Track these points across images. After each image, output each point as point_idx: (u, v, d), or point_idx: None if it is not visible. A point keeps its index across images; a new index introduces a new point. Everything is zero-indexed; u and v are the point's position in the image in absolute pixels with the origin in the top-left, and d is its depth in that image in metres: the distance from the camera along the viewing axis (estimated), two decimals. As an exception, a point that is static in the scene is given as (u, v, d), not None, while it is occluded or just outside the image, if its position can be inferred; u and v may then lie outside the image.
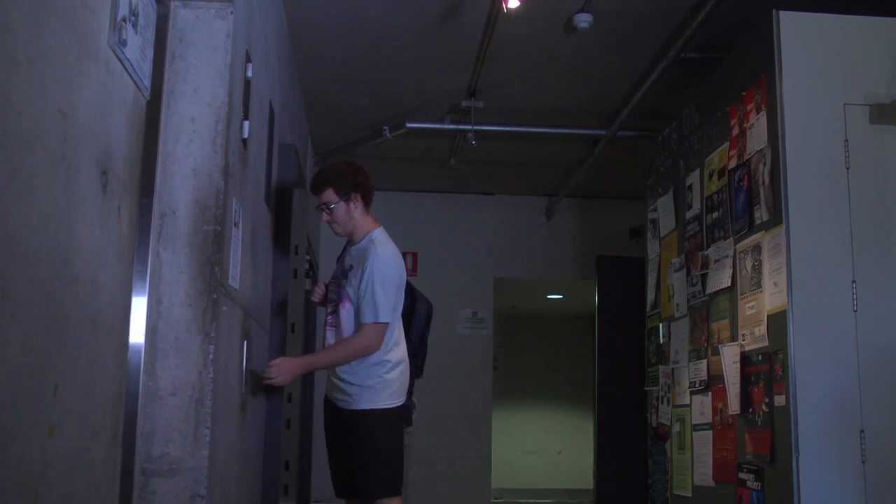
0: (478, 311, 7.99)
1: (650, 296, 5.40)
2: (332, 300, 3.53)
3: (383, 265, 3.37)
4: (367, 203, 3.51)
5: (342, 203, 3.45)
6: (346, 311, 3.45)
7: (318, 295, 3.67)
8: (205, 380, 2.66)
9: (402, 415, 3.52)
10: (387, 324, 3.37)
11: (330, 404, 3.58)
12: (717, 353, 4.19)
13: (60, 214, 1.73)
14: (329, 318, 3.55)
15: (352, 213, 3.47)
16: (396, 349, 3.47)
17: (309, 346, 6.35)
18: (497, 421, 8.53)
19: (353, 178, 3.47)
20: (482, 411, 7.85)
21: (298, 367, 3.61)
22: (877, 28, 3.83)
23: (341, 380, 3.46)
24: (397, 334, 3.49)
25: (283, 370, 3.47)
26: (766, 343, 3.72)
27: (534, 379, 12.13)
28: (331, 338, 3.51)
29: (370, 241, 3.45)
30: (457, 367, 7.56)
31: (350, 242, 3.55)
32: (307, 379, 6.27)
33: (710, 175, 4.42)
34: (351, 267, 3.47)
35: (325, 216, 3.50)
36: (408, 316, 3.71)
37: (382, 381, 3.41)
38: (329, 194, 3.45)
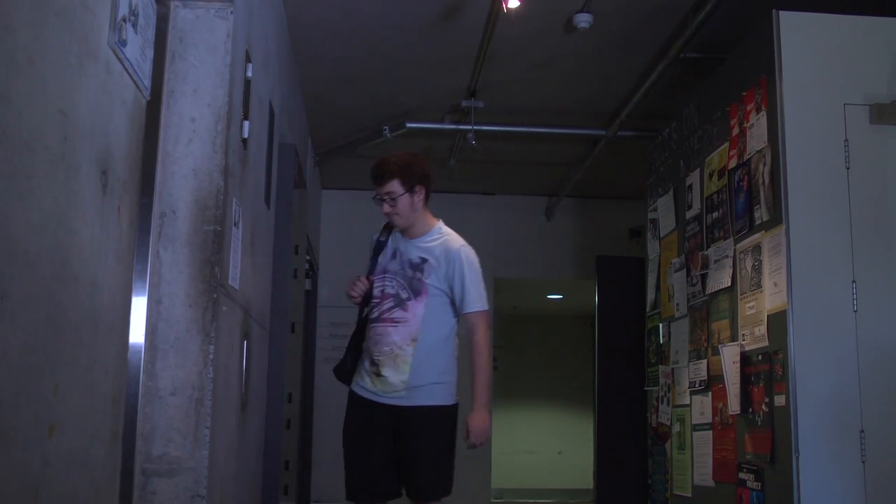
0: (478, 312, 7.97)
1: (650, 296, 5.40)
2: (390, 295, 3.33)
3: (473, 256, 3.37)
4: (427, 196, 3.43)
5: (407, 195, 3.34)
6: (423, 305, 3.31)
7: (359, 290, 3.37)
8: (205, 380, 2.67)
9: None
10: (487, 311, 3.37)
11: (371, 404, 3.31)
12: (717, 353, 4.19)
13: (60, 214, 1.73)
14: (389, 313, 3.32)
15: (415, 205, 3.37)
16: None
17: (309, 347, 6.36)
18: (497, 421, 8.50)
19: (420, 171, 3.39)
20: (482, 411, 7.83)
21: (487, 413, 3.31)
22: (877, 28, 3.83)
23: (430, 378, 3.29)
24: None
25: (480, 432, 3.25)
26: (766, 343, 3.72)
27: (534, 379, 12.13)
28: (396, 335, 3.30)
29: (441, 234, 3.40)
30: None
31: (406, 234, 3.40)
32: (307, 379, 6.27)
33: (710, 175, 4.42)
34: (424, 260, 3.34)
35: (385, 207, 3.35)
36: None
37: (455, 376, 3.38)
38: (395, 185, 3.33)
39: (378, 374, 3.30)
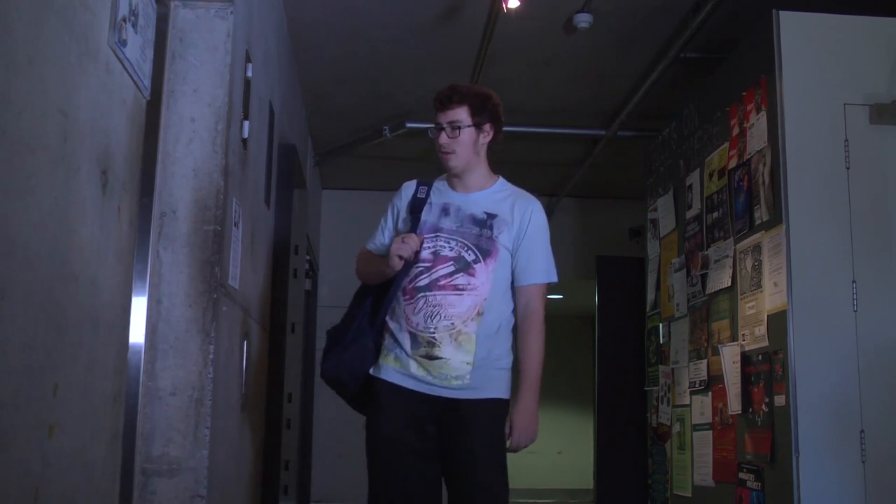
0: (478, 311, 7.97)
1: (650, 296, 5.40)
2: (448, 258, 2.74)
3: (546, 219, 2.88)
4: (492, 145, 2.86)
5: (472, 129, 2.77)
6: (492, 270, 2.74)
7: (411, 248, 2.73)
8: (205, 380, 2.67)
9: None
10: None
11: (419, 397, 2.72)
12: (717, 353, 4.19)
13: (60, 214, 1.73)
14: (450, 279, 2.73)
15: (478, 147, 2.80)
16: None
17: (309, 347, 6.35)
18: (497, 421, 8.51)
19: (494, 108, 2.82)
20: (482, 411, 7.82)
21: (534, 410, 2.85)
22: (877, 28, 3.83)
23: (495, 364, 2.79)
24: None
25: (531, 431, 2.82)
26: (766, 343, 3.72)
27: (534, 379, 12.11)
28: (460, 305, 2.71)
29: (508, 187, 2.87)
30: (457, 367, 7.52)
31: (460, 187, 2.85)
32: (307, 379, 6.26)
33: (710, 175, 4.42)
34: (491, 215, 2.79)
35: (442, 137, 2.78)
36: None
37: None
38: (462, 113, 2.77)
39: (432, 357, 2.69)
